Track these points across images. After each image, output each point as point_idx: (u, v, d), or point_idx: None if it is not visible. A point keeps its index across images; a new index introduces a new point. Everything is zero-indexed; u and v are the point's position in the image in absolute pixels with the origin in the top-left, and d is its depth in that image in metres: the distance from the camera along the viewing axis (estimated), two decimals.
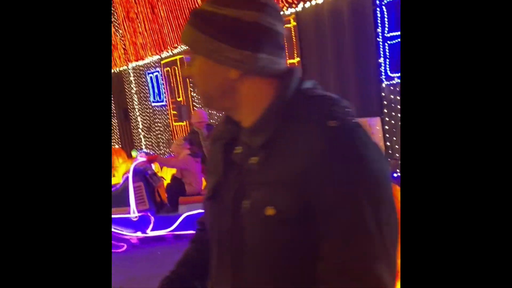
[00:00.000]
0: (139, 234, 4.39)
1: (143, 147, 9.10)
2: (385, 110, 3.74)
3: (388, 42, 3.60)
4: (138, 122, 9.14)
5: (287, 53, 4.76)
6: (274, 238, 0.73)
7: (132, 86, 9.09)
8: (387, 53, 3.63)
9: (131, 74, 9.00)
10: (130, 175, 4.32)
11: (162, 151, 8.18)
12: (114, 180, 7.00)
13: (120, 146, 10.03)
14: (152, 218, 4.40)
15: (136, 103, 9.07)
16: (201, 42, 0.77)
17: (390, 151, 3.73)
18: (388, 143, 3.73)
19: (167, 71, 7.50)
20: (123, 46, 8.94)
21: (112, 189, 4.51)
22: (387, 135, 3.74)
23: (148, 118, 8.73)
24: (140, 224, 4.36)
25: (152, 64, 8.01)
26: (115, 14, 8.81)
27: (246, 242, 0.76)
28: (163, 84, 7.73)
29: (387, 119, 3.73)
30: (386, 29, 3.61)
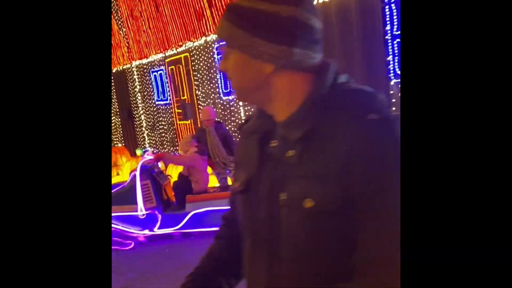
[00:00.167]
0: (146, 232, 4.39)
1: (147, 145, 9.10)
2: (394, 108, 3.75)
3: (397, 40, 3.60)
4: (142, 120, 9.14)
5: None
6: (312, 229, 0.74)
7: (135, 84, 9.09)
8: (396, 51, 3.63)
9: (135, 73, 9.00)
10: (138, 173, 4.32)
11: (166, 149, 8.19)
12: (118, 178, 7.01)
13: (123, 144, 10.04)
14: (159, 216, 4.40)
15: (140, 102, 9.07)
16: (237, 36, 0.77)
17: None
18: None
19: (172, 69, 7.50)
20: (127, 44, 8.94)
21: (119, 187, 4.52)
22: None
23: (152, 116, 8.73)
24: (147, 222, 4.36)
25: (156, 62, 8.01)
26: (119, 12, 8.80)
27: (284, 234, 0.77)
28: (167, 82, 7.72)
29: None
30: (395, 27, 3.61)
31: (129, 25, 8.60)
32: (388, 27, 3.66)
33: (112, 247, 4.31)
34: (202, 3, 6.06)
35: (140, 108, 9.12)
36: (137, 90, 9.07)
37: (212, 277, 0.94)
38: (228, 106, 6.09)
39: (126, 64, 9.22)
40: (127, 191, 4.34)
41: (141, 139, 9.32)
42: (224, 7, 5.63)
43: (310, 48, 0.77)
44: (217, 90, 6.28)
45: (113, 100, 10.29)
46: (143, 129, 9.15)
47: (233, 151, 4.74)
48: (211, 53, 6.25)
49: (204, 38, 6.29)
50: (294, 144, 0.76)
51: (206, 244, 3.88)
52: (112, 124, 10.64)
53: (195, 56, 6.69)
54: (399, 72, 3.65)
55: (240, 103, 5.79)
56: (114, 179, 7.21)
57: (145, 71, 8.55)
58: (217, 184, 5.07)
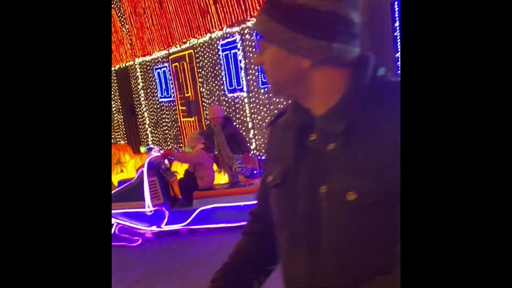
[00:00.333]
0: (154, 228, 4.40)
1: (150, 143, 9.10)
2: None
3: None
4: (145, 118, 9.14)
5: None
6: (354, 222, 0.74)
7: (138, 81, 9.08)
8: None
9: (138, 70, 8.99)
10: (145, 169, 4.33)
11: (170, 147, 8.19)
12: (123, 176, 7.02)
13: (126, 141, 10.03)
14: (167, 213, 4.41)
15: (143, 99, 9.07)
16: (275, 31, 0.77)
17: None
18: None
19: (176, 66, 7.50)
20: (130, 41, 8.92)
21: (127, 183, 4.52)
22: None
23: (155, 113, 8.73)
24: (154, 219, 4.36)
25: (159, 59, 8.00)
26: (121, 9, 8.79)
27: (324, 227, 0.77)
28: (171, 79, 7.72)
29: None
30: None
31: (132, 22, 8.59)
32: (397, 24, 3.66)
33: (120, 244, 4.33)
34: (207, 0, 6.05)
35: (143, 105, 9.12)
36: (140, 87, 9.06)
37: (242, 273, 0.94)
38: (233, 103, 6.09)
39: (129, 61, 9.21)
40: (135, 188, 4.34)
41: (144, 137, 9.32)
42: (229, 3, 5.64)
43: (349, 43, 0.77)
44: (222, 87, 6.28)
45: (115, 98, 10.28)
46: (146, 126, 9.15)
47: (243, 147, 4.75)
48: (216, 50, 6.24)
49: (209, 34, 6.28)
50: (335, 137, 0.76)
51: (213, 240, 3.90)
52: (115, 122, 10.63)
53: (200, 53, 6.68)
54: None
55: (245, 100, 5.79)
56: (119, 176, 7.21)
57: (148, 68, 8.54)
58: (222, 181, 5.07)
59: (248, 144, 5.07)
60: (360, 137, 0.74)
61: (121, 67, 9.64)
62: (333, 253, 0.77)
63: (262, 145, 5.65)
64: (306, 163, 0.80)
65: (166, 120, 8.28)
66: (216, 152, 4.78)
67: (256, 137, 5.73)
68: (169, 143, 8.32)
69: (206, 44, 6.46)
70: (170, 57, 7.59)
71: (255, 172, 4.76)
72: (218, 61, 6.25)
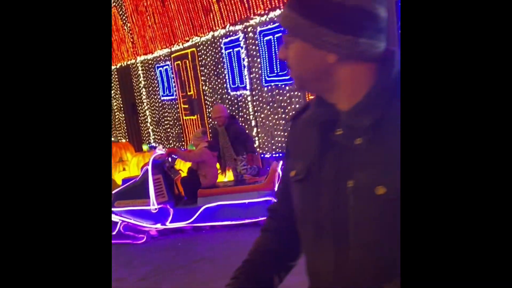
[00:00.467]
0: (158, 226, 4.41)
1: (152, 141, 9.10)
2: None
3: None
4: (147, 116, 9.14)
5: None
6: (382, 216, 0.74)
7: (140, 80, 9.07)
8: None
9: (140, 68, 8.99)
10: (150, 167, 4.33)
11: (172, 145, 8.19)
12: (126, 174, 7.02)
13: (127, 140, 10.03)
14: (171, 210, 4.42)
15: (145, 97, 9.06)
16: (301, 26, 0.77)
17: None
18: None
19: (178, 64, 7.49)
20: (131, 40, 8.92)
21: (132, 181, 4.53)
22: None
23: (157, 112, 8.72)
24: (159, 216, 4.37)
25: (161, 57, 7.99)
26: (123, 7, 8.78)
27: (351, 221, 0.77)
28: (173, 77, 7.71)
29: None
30: None
31: (134, 20, 8.58)
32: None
33: (125, 241, 4.34)
34: None
35: (145, 104, 9.11)
36: (141, 85, 9.05)
37: (263, 270, 0.93)
38: (236, 101, 6.09)
39: (131, 60, 9.20)
40: (140, 186, 4.35)
41: (146, 135, 9.32)
42: (232, 1, 5.64)
43: (375, 38, 0.77)
44: (225, 85, 6.28)
45: (117, 96, 10.28)
46: (148, 124, 9.15)
47: (248, 148, 4.69)
48: (219, 48, 6.24)
49: (211, 33, 6.28)
50: (362, 132, 0.76)
51: (218, 238, 3.92)
52: (116, 120, 10.63)
53: (202, 51, 6.68)
54: None
55: (248, 99, 5.79)
56: (121, 175, 7.22)
57: (150, 66, 8.54)
58: (226, 179, 5.08)
59: (253, 144, 4.99)
60: (386, 131, 0.75)
61: (123, 65, 9.64)
62: (361, 248, 0.76)
63: (266, 143, 5.66)
64: (331, 158, 0.80)
65: (168, 118, 8.28)
66: (220, 153, 4.75)
67: (260, 135, 5.74)
68: (171, 141, 8.32)
69: (208, 43, 6.45)
70: (172, 55, 7.58)
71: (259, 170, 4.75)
72: (221, 59, 6.25)
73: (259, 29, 5.29)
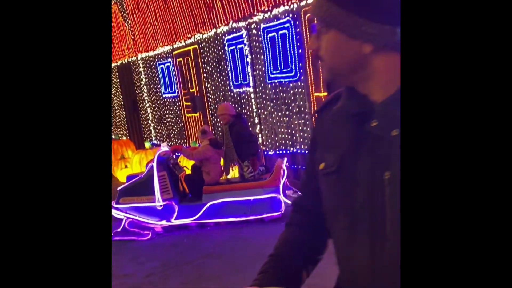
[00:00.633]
0: (164, 222, 4.42)
1: (153, 138, 9.10)
2: None
3: None
4: (148, 113, 9.13)
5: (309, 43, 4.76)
6: None
7: (141, 77, 9.06)
8: None
9: (141, 65, 8.97)
10: (154, 164, 4.34)
11: (174, 142, 8.19)
12: (128, 171, 7.01)
13: (128, 137, 10.02)
14: (176, 207, 4.43)
15: (146, 94, 9.05)
16: (337, 15, 0.76)
17: None
18: None
19: (180, 61, 7.48)
20: (132, 37, 8.89)
21: (136, 178, 4.53)
22: None
23: (158, 109, 8.71)
24: (164, 213, 4.38)
25: (163, 54, 7.98)
26: (124, 4, 8.75)
27: (388, 213, 0.76)
28: (175, 75, 7.70)
29: None
30: None
31: (135, 17, 8.55)
32: None
33: (130, 238, 4.35)
34: None
35: (146, 101, 9.10)
36: (143, 83, 9.04)
37: (290, 264, 0.93)
38: (239, 98, 6.09)
39: (132, 57, 9.18)
40: (145, 182, 4.36)
41: (147, 132, 9.31)
42: None
43: None
44: (228, 82, 6.27)
45: (118, 93, 10.25)
46: (149, 122, 9.13)
47: (251, 150, 4.56)
48: (222, 45, 6.23)
49: (214, 30, 6.27)
50: (399, 123, 0.74)
51: (224, 234, 3.94)
52: (117, 117, 10.61)
53: (205, 48, 6.67)
54: None
55: (252, 96, 5.79)
56: (124, 172, 7.21)
57: (151, 63, 8.52)
58: (229, 176, 5.09)
59: (256, 146, 4.82)
60: None
61: (124, 62, 9.61)
62: (397, 239, 0.74)
63: (269, 140, 5.67)
64: (366, 149, 0.79)
65: (170, 116, 8.27)
66: (224, 153, 4.72)
67: (263, 132, 5.75)
68: (172, 138, 8.32)
69: (211, 39, 6.44)
70: (174, 53, 7.57)
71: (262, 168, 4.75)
72: (223, 56, 6.24)
73: (262, 26, 5.28)
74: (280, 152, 5.46)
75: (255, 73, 5.64)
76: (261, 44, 5.38)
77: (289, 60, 4.96)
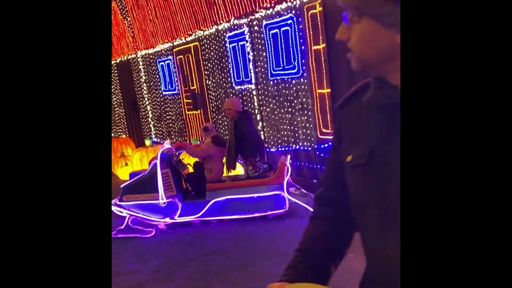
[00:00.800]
0: (167, 220, 4.41)
1: (153, 136, 9.07)
2: None
3: None
4: (148, 111, 9.10)
5: (312, 40, 4.73)
6: None
7: (141, 75, 9.02)
8: None
9: (140, 63, 8.93)
10: (158, 161, 4.33)
11: (174, 140, 8.17)
12: (128, 169, 7.00)
13: (127, 135, 9.99)
14: (180, 204, 4.42)
15: (146, 92, 9.02)
16: (371, 4, 0.75)
17: None
18: None
19: (180, 59, 7.46)
20: (132, 34, 8.85)
21: (140, 175, 4.52)
22: None
23: (158, 107, 8.68)
24: (168, 210, 4.37)
25: (163, 52, 7.95)
26: (123, 1, 8.70)
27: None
28: (175, 72, 7.68)
29: None
30: None
31: (134, 14, 8.52)
32: None
33: (134, 235, 4.34)
34: None
35: (145, 99, 9.06)
36: (142, 80, 9.00)
37: (320, 258, 0.92)
38: (240, 95, 6.08)
39: (131, 54, 9.14)
40: (148, 180, 4.34)
41: (147, 130, 9.29)
42: None
43: None
44: (229, 79, 6.26)
45: (117, 91, 10.21)
46: (149, 119, 9.11)
47: (252, 151, 4.51)
48: (223, 42, 6.21)
49: (215, 27, 6.25)
50: None
51: (228, 230, 3.94)
52: (116, 115, 10.57)
53: (206, 45, 6.65)
54: None
55: (254, 93, 5.78)
56: (124, 169, 7.20)
57: (151, 61, 8.49)
58: (231, 174, 5.08)
59: (254, 148, 4.65)
60: None
61: (123, 60, 9.57)
62: None
63: (271, 137, 5.66)
64: (398, 141, 0.77)
65: (170, 113, 8.25)
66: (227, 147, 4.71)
67: (265, 129, 5.74)
68: (173, 136, 8.30)
69: (212, 36, 6.42)
70: (174, 50, 7.54)
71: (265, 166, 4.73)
72: (225, 53, 6.22)
73: (264, 22, 5.27)
74: (283, 149, 5.46)
75: (257, 70, 5.63)
76: (263, 41, 5.37)
77: (292, 57, 4.95)
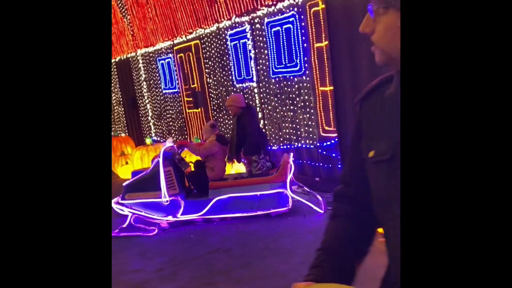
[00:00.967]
0: (170, 218, 4.40)
1: (153, 135, 9.05)
2: None
3: None
4: (148, 110, 9.07)
5: (314, 37, 4.71)
6: None
7: (141, 73, 8.99)
8: None
9: (140, 61, 8.90)
10: (161, 159, 4.31)
11: (174, 139, 8.14)
12: (129, 167, 6.98)
13: (127, 134, 9.96)
14: (182, 203, 4.40)
15: (145, 91, 8.99)
16: None
17: None
18: None
19: (181, 57, 7.43)
20: (131, 32, 8.82)
21: (142, 173, 4.50)
22: None
23: (158, 105, 8.66)
24: (170, 208, 4.36)
25: (163, 50, 7.92)
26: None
27: None
28: (175, 70, 7.65)
29: None
30: None
31: (134, 12, 8.48)
32: None
33: (136, 233, 4.33)
34: None
35: (145, 97, 9.04)
36: (142, 79, 8.97)
37: (345, 256, 0.91)
38: (242, 93, 6.06)
39: (131, 53, 9.11)
40: (150, 178, 4.33)
41: (147, 128, 9.26)
42: None
43: None
44: (230, 77, 6.24)
45: (116, 90, 10.18)
46: (149, 118, 9.08)
47: (252, 149, 4.49)
48: (224, 40, 6.19)
49: (216, 24, 6.23)
50: None
51: (231, 228, 3.93)
52: (116, 114, 10.54)
53: (206, 43, 6.63)
54: None
55: (255, 91, 5.77)
56: (125, 168, 7.17)
57: (151, 59, 8.46)
58: (233, 171, 5.07)
59: (252, 146, 4.59)
60: None
61: (122, 58, 9.54)
62: None
63: (273, 135, 5.65)
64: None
65: (171, 112, 8.22)
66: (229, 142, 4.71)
67: (267, 127, 5.73)
68: (173, 134, 8.28)
69: (213, 34, 6.40)
70: (174, 48, 7.52)
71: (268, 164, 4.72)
72: (226, 51, 6.20)
73: (266, 20, 5.26)
74: (285, 147, 5.45)
75: (258, 68, 5.62)
76: (265, 39, 5.35)
77: (294, 54, 4.94)
